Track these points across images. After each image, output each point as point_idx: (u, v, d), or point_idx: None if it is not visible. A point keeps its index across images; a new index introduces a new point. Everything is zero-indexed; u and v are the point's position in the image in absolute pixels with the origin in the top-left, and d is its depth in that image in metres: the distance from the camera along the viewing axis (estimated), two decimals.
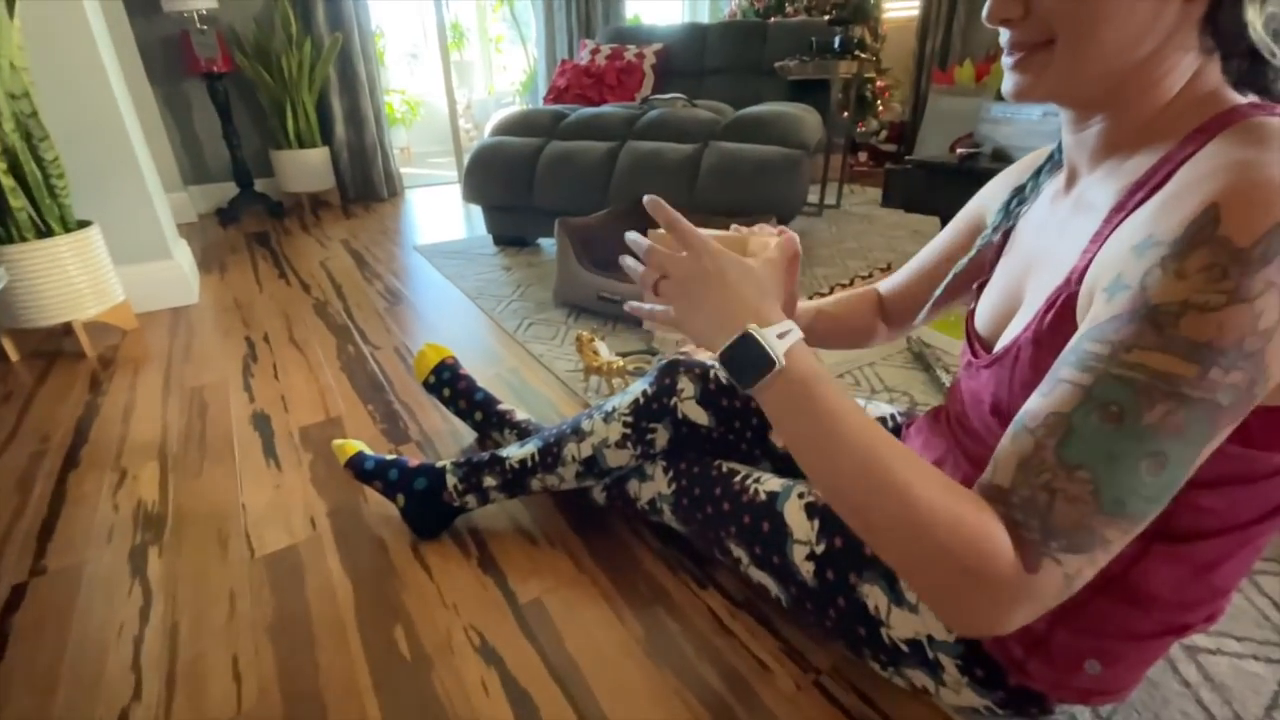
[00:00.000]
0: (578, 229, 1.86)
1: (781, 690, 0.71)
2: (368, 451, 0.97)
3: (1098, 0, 0.39)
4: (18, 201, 1.43)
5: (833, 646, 0.76)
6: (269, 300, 1.98)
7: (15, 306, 1.49)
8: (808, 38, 2.83)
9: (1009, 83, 0.46)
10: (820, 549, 0.65)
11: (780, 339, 0.45)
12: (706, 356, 0.88)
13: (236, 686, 0.72)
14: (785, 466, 0.84)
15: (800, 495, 0.69)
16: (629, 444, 0.83)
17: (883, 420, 0.82)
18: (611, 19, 4.06)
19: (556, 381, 1.44)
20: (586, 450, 0.86)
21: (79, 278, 1.54)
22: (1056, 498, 0.37)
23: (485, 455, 0.93)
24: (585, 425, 0.86)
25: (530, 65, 5.01)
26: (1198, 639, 0.74)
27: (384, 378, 1.45)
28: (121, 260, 1.79)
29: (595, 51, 3.14)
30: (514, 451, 0.91)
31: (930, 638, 0.59)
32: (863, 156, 4.27)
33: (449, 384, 1.17)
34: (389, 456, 0.96)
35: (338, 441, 0.98)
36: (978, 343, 0.58)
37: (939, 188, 2.10)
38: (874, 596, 0.61)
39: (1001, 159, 2.00)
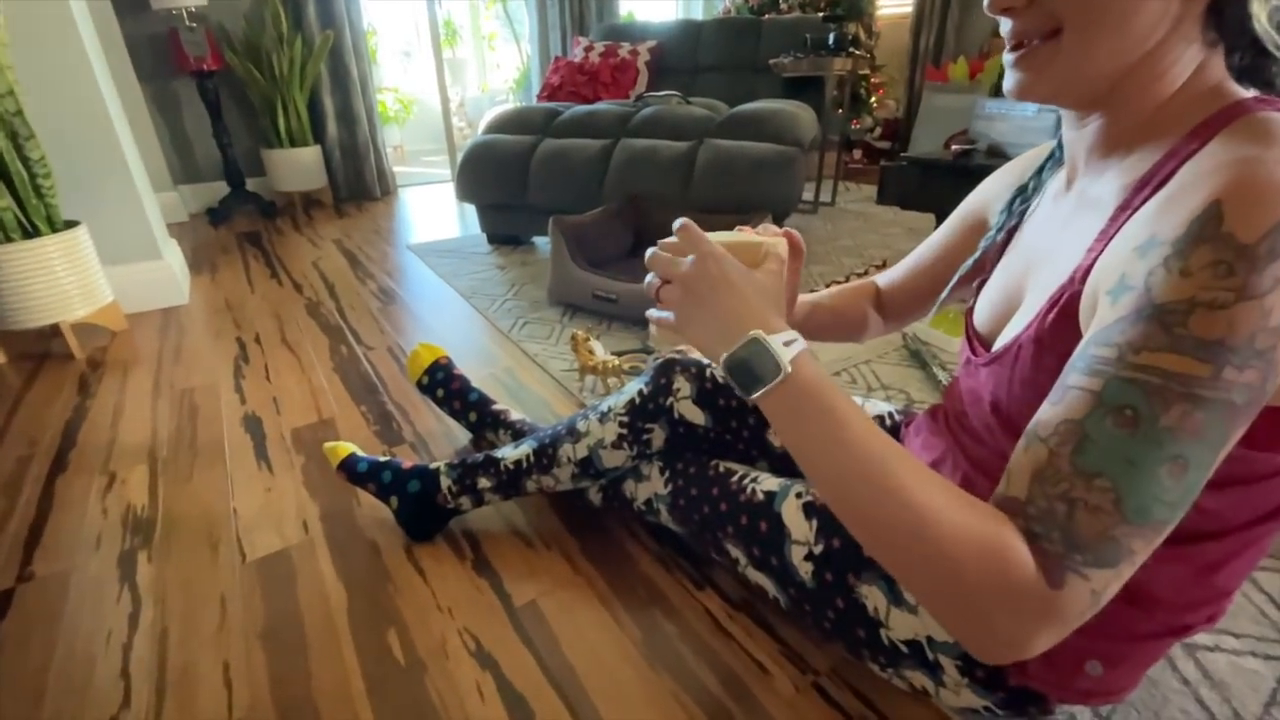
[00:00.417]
0: (572, 227, 1.85)
1: (780, 692, 0.70)
2: (360, 453, 0.96)
3: None
4: (3, 201, 1.41)
5: (831, 648, 0.75)
6: (261, 301, 1.96)
7: (1, 308, 1.47)
8: (802, 34, 2.83)
9: (1010, 80, 0.44)
10: (819, 549, 0.65)
11: (786, 346, 0.44)
12: (701, 355, 0.88)
13: (227, 693, 0.71)
14: (783, 466, 0.83)
15: (798, 495, 0.69)
16: (625, 444, 0.83)
17: (880, 419, 0.82)
18: (605, 16, 4.04)
19: (551, 381, 1.43)
20: (582, 451, 0.85)
21: (66, 278, 1.52)
22: (1076, 508, 0.35)
23: (480, 456, 0.92)
24: (581, 426, 0.86)
25: (524, 62, 4.99)
26: (1196, 636, 0.74)
27: (377, 378, 1.44)
28: (110, 261, 1.77)
29: (589, 48, 3.13)
30: (509, 452, 0.90)
31: (930, 639, 0.58)
32: (857, 154, 4.28)
33: (443, 384, 1.16)
34: (382, 458, 0.95)
35: (330, 444, 0.97)
36: (977, 341, 0.58)
37: (934, 185, 2.10)
38: (873, 597, 0.61)
39: (996, 155, 2.00)
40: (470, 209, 3.13)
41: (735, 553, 0.73)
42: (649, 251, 0.52)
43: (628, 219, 2.06)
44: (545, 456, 0.87)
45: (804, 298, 0.75)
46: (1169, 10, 0.38)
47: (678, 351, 0.87)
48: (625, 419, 0.82)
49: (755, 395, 0.44)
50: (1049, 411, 0.38)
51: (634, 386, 0.84)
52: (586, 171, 2.17)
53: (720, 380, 0.82)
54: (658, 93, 2.48)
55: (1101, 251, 0.41)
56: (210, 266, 2.32)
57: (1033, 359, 0.46)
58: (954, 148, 2.09)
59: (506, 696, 0.70)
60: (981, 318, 0.59)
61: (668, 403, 0.81)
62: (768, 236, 0.56)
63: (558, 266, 1.80)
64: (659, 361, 0.85)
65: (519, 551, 0.92)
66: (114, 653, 0.77)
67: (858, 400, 0.78)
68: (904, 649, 0.60)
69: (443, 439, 1.20)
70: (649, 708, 0.69)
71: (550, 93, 3.07)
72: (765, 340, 0.44)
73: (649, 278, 0.53)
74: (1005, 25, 0.43)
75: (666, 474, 0.82)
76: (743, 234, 0.55)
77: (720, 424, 0.82)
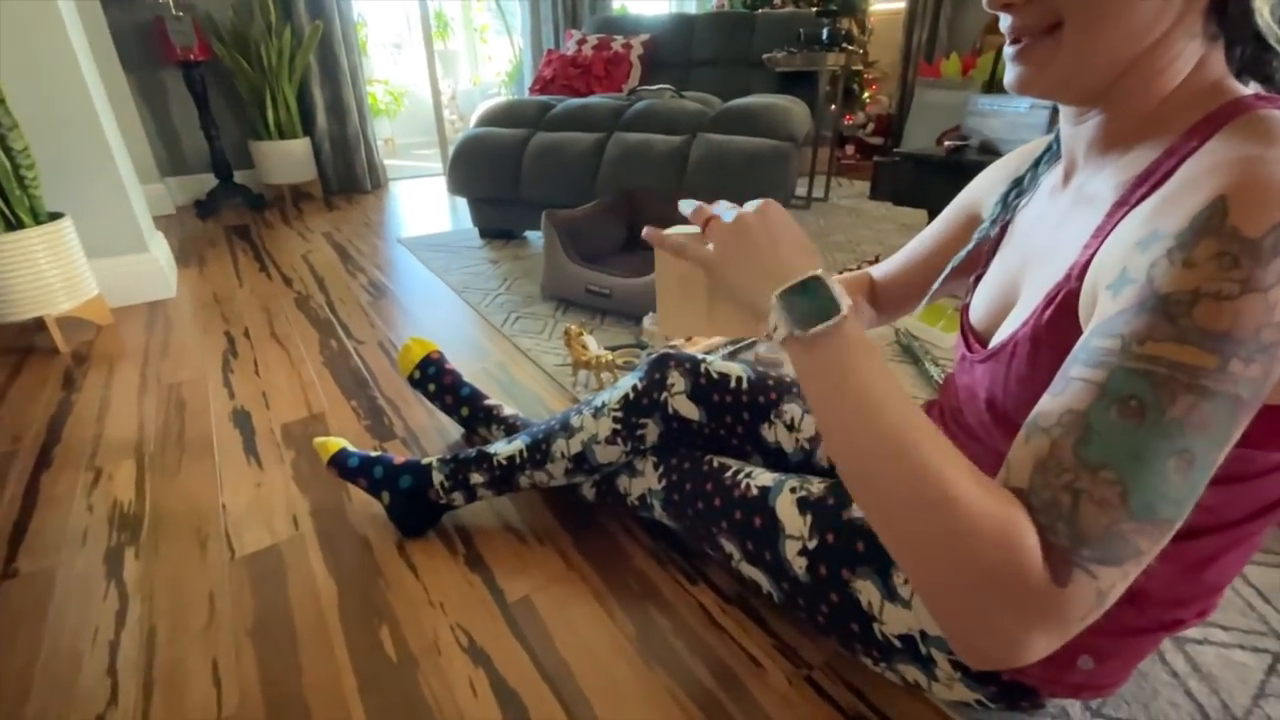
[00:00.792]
0: (565, 221, 1.84)
1: (773, 687, 0.70)
2: (351, 448, 0.95)
3: None
4: None
5: (825, 642, 0.75)
6: (249, 294, 1.94)
7: None
8: (795, 29, 2.82)
9: (1011, 74, 0.44)
10: (813, 544, 0.65)
11: (838, 292, 0.43)
12: (697, 350, 0.87)
13: (216, 691, 0.70)
14: (777, 461, 0.83)
15: (792, 490, 0.69)
16: (619, 439, 0.82)
17: None
18: (598, 9, 4.02)
19: (544, 376, 1.42)
20: (576, 446, 0.84)
21: (50, 271, 1.49)
22: (1081, 500, 0.34)
23: (472, 452, 0.91)
24: (574, 421, 0.85)
25: (516, 55, 4.95)
26: (1186, 630, 0.75)
27: (368, 373, 1.43)
28: (95, 253, 1.74)
29: (582, 42, 3.11)
30: (502, 448, 0.90)
31: (923, 633, 0.58)
32: (850, 149, 4.28)
33: (434, 379, 1.15)
34: (373, 454, 0.94)
35: (320, 439, 0.96)
36: (973, 337, 0.58)
37: (927, 181, 2.10)
38: (867, 592, 0.61)
39: (989, 151, 2.01)
40: (462, 202, 3.11)
41: (729, 548, 0.73)
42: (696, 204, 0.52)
43: (621, 213, 2.05)
44: (538, 452, 0.87)
45: None
46: (1171, 5, 0.38)
47: (671, 346, 0.87)
48: (619, 414, 0.82)
49: (811, 331, 0.42)
50: (1050, 403, 0.37)
51: (628, 381, 0.84)
52: (579, 165, 2.16)
53: (715, 376, 0.82)
54: (651, 86, 2.46)
55: (1098, 248, 0.41)
56: (198, 260, 2.29)
57: (1029, 356, 0.46)
58: (947, 144, 2.10)
59: (499, 692, 0.70)
60: (978, 314, 0.59)
61: (662, 398, 0.81)
62: None
63: (551, 261, 1.79)
64: (653, 357, 0.84)
65: (512, 547, 0.91)
66: (100, 650, 0.76)
67: None
68: (897, 643, 0.60)
69: (434, 434, 1.19)
70: (643, 703, 0.69)
71: (543, 86, 3.05)
72: (828, 280, 0.43)
73: (688, 207, 0.52)
74: (1005, 20, 0.43)
75: (660, 469, 0.81)
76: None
77: (714, 419, 0.82)
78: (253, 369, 1.45)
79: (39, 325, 1.54)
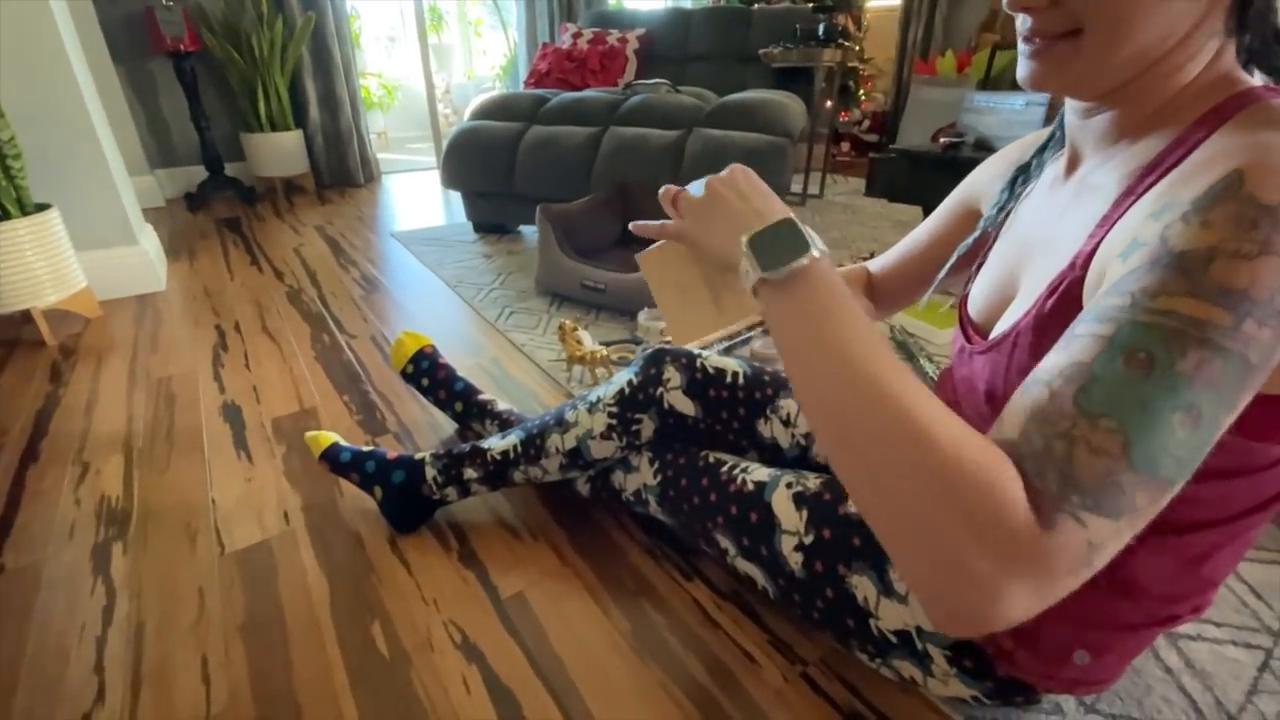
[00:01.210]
0: (560, 216, 1.82)
1: (769, 683, 0.70)
2: (344, 443, 0.94)
3: None
4: None
5: (820, 638, 0.75)
6: (240, 288, 1.92)
7: None
8: (792, 25, 2.81)
9: (1025, 69, 0.43)
10: (809, 540, 0.64)
11: (812, 238, 0.43)
12: (692, 346, 0.87)
13: (205, 688, 0.70)
14: (773, 457, 0.83)
15: (788, 485, 0.68)
16: (614, 435, 0.82)
17: None
18: (593, 3, 4.00)
19: (538, 371, 1.41)
20: (570, 441, 0.84)
21: (37, 263, 1.47)
22: (1078, 446, 0.32)
23: (466, 447, 0.90)
24: (569, 416, 0.85)
25: (511, 49, 4.92)
26: (1180, 626, 0.75)
27: (360, 367, 1.42)
28: (84, 246, 1.72)
29: (577, 35, 3.09)
30: (496, 443, 0.89)
31: (919, 629, 0.58)
32: (845, 147, 4.28)
33: (428, 373, 1.14)
34: (366, 448, 0.93)
35: (312, 433, 0.95)
36: (972, 329, 0.57)
37: (923, 177, 2.10)
38: (863, 587, 0.61)
39: (984, 148, 2.01)
40: (456, 197, 3.09)
41: (725, 543, 0.72)
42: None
43: (616, 208, 2.04)
44: (533, 447, 0.86)
45: None
46: (1192, 12, 0.37)
47: (667, 341, 0.87)
48: (614, 409, 0.81)
49: (780, 272, 0.41)
50: (1053, 358, 0.35)
51: (623, 376, 0.83)
52: (574, 159, 2.14)
53: (711, 371, 0.82)
54: (646, 81, 2.45)
55: (1103, 237, 0.40)
56: (188, 253, 2.26)
57: (1031, 346, 0.45)
58: (942, 140, 2.10)
59: (493, 689, 0.69)
60: (976, 306, 0.58)
61: (657, 393, 0.81)
62: None
63: (545, 255, 1.78)
64: (649, 352, 0.84)
65: (506, 543, 0.90)
66: (88, 647, 0.75)
67: None
68: (893, 639, 0.60)
69: (428, 429, 1.18)
70: (637, 699, 0.68)
71: (538, 79, 3.03)
72: (800, 224, 0.43)
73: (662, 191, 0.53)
74: (1023, 20, 0.42)
75: (656, 465, 0.81)
76: None
77: (710, 415, 0.82)
78: (243, 363, 1.43)
79: (25, 318, 1.52)
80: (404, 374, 1.16)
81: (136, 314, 1.71)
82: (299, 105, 3.17)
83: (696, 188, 0.50)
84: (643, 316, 1.46)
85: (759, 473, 0.72)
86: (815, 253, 0.41)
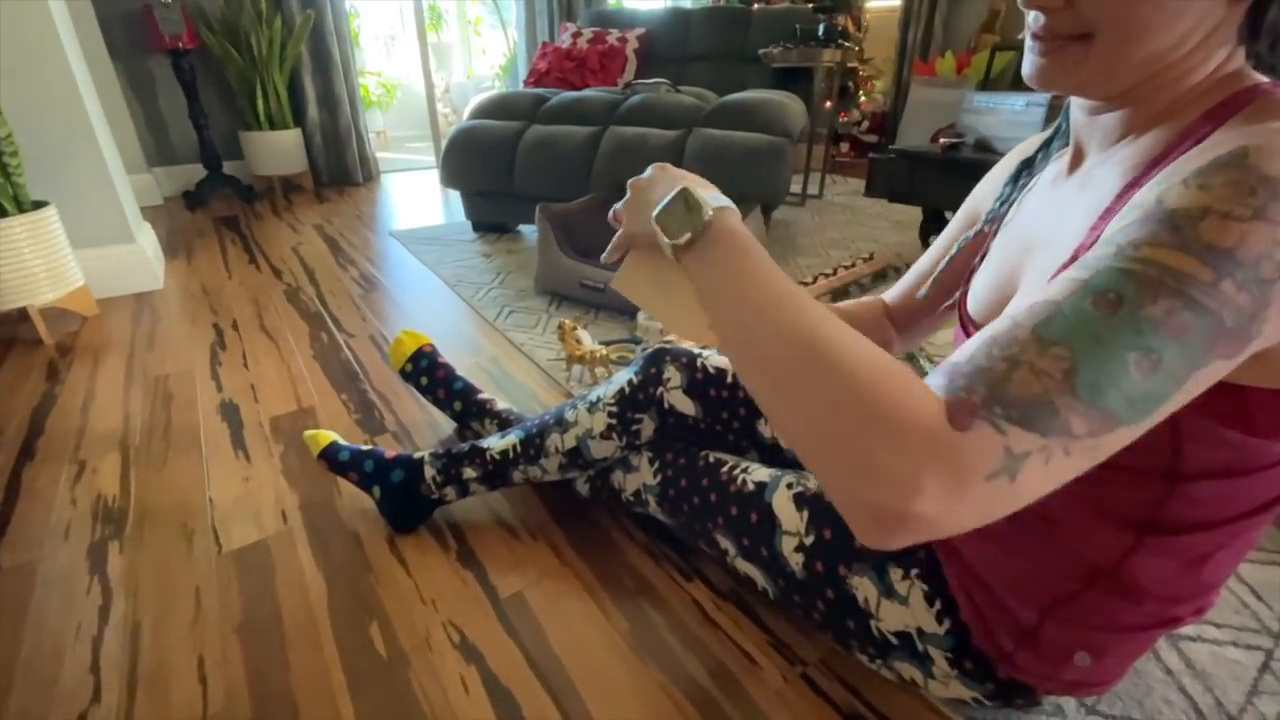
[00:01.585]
0: (559, 215, 1.82)
1: (769, 684, 0.70)
2: (342, 442, 0.94)
3: (1143, 2, 0.36)
4: None
5: (820, 639, 0.75)
6: (238, 286, 1.91)
7: None
8: (792, 25, 2.81)
9: (1032, 66, 0.43)
10: (809, 540, 0.64)
11: (714, 201, 0.47)
12: (692, 345, 0.87)
13: (202, 688, 0.69)
14: (774, 457, 0.82)
15: (789, 485, 0.68)
16: (614, 434, 0.81)
17: None
18: (593, 2, 3.99)
19: (538, 371, 1.41)
20: (570, 441, 0.83)
21: (34, 261, 1.46)
22: (1019, 369, 0.32)
23: (465, 446, 0.90)
24: (569, 415, 0.84)
25: (510, 48, 4.92)
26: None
27: (359, 366, 1.41)
28: (81, 243, 1.71)
29: (577, 35, 3.09)
30: (495, 442, 0.89)
31: (920, 630, 0.58)
32: (844, 147, 4.28)
33: (427, 372, 1.13)
34: (364, 447, 0.93)
35: (310, 432, 0.95)
36: (973, 327, 0.57)
37: (922, 178, 2.10)
38: (863, 588, 0.60)
39: (984, 149, 2.01)
40: (455, 196, 3.08)
41: (725, 543, 0.72)
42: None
43: None
44: (532, 447, 0.86)
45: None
46: (1206, 20, 0.37)
47: (667, 341, 0.86)
48: (614, 409, 0.81)
49: (682, 237, 0.46)
50: (1029, 298, 0.35)
51: (623, 376, 0.83)
52: (574, 159, 2.14)
53: (712, 371, 0.81)
54: (646, 80, 2.45)
55: (1105, 229, 0.40)
56: (186, 251, 2.26)
57: None
58: (942, 141, 2.09)
59: (491, 690, 0.69)
60: (976, 303, 0.58)
61: (658, 393, 0.80)
62: None
63: (545, 254, 1.78)
64: (649, 351, 0.84)
65: (505, 542, 0.90)
66: (83, 646, 0.74)
67: None
68: (894, 640, 0.60)
69: (426, 428, 1.18)
70: (636, 699, 0.68)
71: (537, 79, 3.03)
72: (692, 190, 0.46)
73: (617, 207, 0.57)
74: (1034, 18, 0.42)
75: (656, 465, 0.80)
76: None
77: (710, 414, 0.81)
78: (241, 361, 1.43)
79: (22, 316, 1.52)
80: (403, 373, 1.15)
81: (134, 312, 1.71)
82: (298, 104, 3.16)
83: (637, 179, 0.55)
84: (642, 316, 1.46)
85: (759, 473, 0.72)
86: (709, 212, 0.45)
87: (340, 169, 3.40)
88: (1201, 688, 0.68)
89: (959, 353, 0.35)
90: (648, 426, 0.81)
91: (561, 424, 0.84)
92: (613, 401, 0.82)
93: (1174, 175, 0.35)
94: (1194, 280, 0.31)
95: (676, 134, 2.08)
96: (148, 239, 1.98)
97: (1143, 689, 0.68)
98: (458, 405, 1.11)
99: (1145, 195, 0.35)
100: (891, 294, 0.77)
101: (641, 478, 0.82)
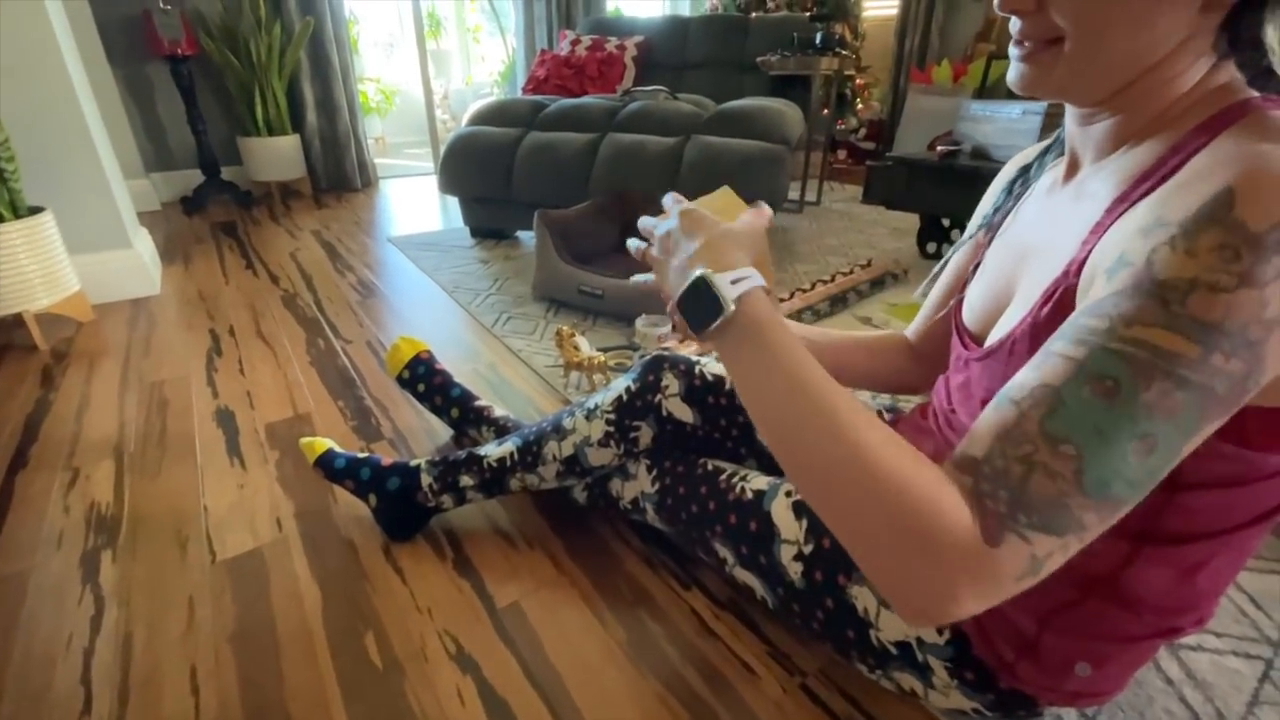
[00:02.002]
0: (558, 221, 1.82)
1: (767, 694, 0.69)
2: (338, 449, 0.93)
3: (1109, 7, 0.37)
4: None
5: (819, 649, 0.74)
6: (235, 292, 1.91)
7: None
8: (789, 33, 2.83)
9: (1015, 73, 0.44)
10: (808, 549, 0.64)
11: (734, 285, 0.45)
12: (691, 352, 0.86)
13: (195, 699, 0.68)
14: (772, 465, 0.82)
15: (788, 494, 0.68)
16: (612, 442, 0.81)
17: None
18: (592, 10, 4.01)
19: (536, 377, 1.40)
20: (568, 449, 0.83)
21: (30, 266, 1.46)
22: (1035, 471, 0.34)
23: (462, 454, 0.89)
24: (566, 423, 0.84)
25: (509, 55, 4.94)
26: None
27: (355, 373, 1.41)
28: (77, 249, 1.71)
29: (575, 42, 3.10)
30: (492, 450, 0.88)
31: (920, 640, 0.58)
32: (842, 154, 4.29)
33: (424, 379, 1.13)
34: (360, 455, 0.92)
35: (306, 439, 0.94)
36: (968, 336, 0.57)
37: (920, 185, 2.11)
38: (863, 598, 0.60)
39: (981, 157, 2.01)
40: (453, 202, 3.09)
41: (723, 552, 0.72)
42: (640, 220, 0.56)
43: (614, 214, 2.04)
44: (530, 454, 0.85)
45: (827, 332, 0.76)
46: (1176, 29, 0.38)
47: (665, 348, 0.86)
48: (612, 416, 0.81)
49: (704, 333, 0.45)
50: (1027, 375, 0.37)
51: (621, 383, 0.83)
52: (572, 165, 2.14)
53: (710, 378, 0.81)
54: (645, 88, 2.46)
55: (1095, 244, 0.40)
56: (183, 256, 2.25)
57: (1028, 353, 0.45)
58: (939, 148, 2.10)
59: (488, 700, 0.68)
60: (971, 314, 0.58)
61: (656, 400, 0.80)
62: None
63: (543, 261, 1.78)
64: (647, 358, 0.83)
65: (501, 551, 0.89)
66: (75, 656, 0.73)
67: None
68: (893, 650, 0.60)
69: (423, 435, 1.17)
70: (634, 710, 0.67)
71: (536, 86, 3.04)
72: (711, 279, 0.45)
73: (633, 244, 0.56)
74: (1014, 21, 0.43)
75: (654, 472, 0.80)
76: (724, 191, 0.58)
77: (709, 422, 0.81)
78: (237, 368, 1.42)
79: (17, 322, 1.51)
80: (400, 379, 1.15)
81: (130, 318, 1.70)
82: (296, 110, 3.17)
83: (661, 225, 0.53)
84: (640, 323, 1.46)
85: (758, 481, 0.72)
86: (732, 307, 0.44)
87: (339, 175, 3.40)
88: (1202, 698, 0.68)
89: (974, 444, 0.38)
90: (646, 434, 0.81)
91: (559, 431, 0.84)
92: (611, 409, 0.81)
93: (1163, 215, 0.35)
94: (1183, 359, 0.32)
95: (674, 141, 2.08)
96: (145, 244, 1.97)
97: (1144, 699, 0.67)
98: (455, 412, 1.10)
99: (1135, 242, 0.36)
100: (911, 330, 0.76)
101: (639, 485, 0.81)
